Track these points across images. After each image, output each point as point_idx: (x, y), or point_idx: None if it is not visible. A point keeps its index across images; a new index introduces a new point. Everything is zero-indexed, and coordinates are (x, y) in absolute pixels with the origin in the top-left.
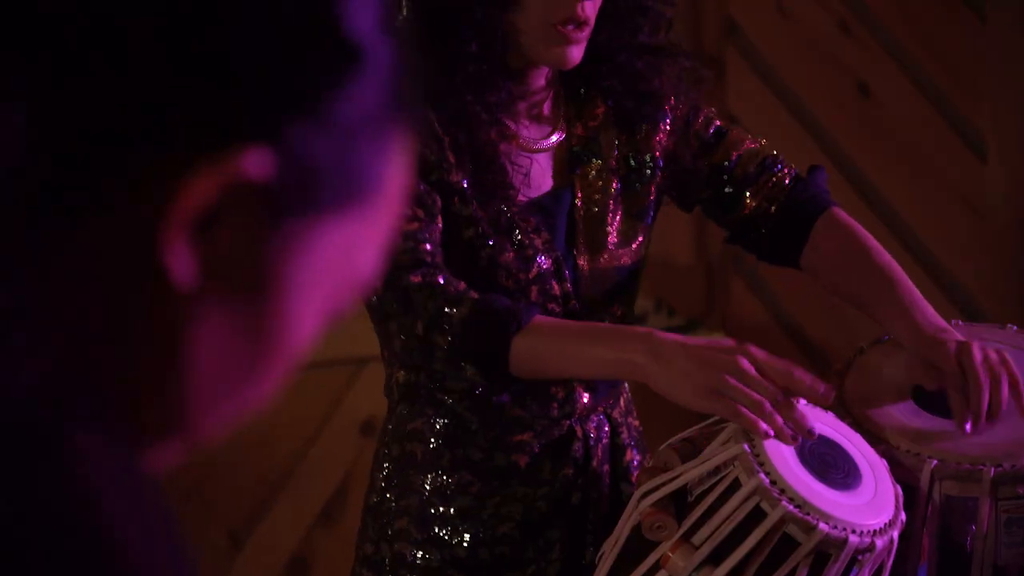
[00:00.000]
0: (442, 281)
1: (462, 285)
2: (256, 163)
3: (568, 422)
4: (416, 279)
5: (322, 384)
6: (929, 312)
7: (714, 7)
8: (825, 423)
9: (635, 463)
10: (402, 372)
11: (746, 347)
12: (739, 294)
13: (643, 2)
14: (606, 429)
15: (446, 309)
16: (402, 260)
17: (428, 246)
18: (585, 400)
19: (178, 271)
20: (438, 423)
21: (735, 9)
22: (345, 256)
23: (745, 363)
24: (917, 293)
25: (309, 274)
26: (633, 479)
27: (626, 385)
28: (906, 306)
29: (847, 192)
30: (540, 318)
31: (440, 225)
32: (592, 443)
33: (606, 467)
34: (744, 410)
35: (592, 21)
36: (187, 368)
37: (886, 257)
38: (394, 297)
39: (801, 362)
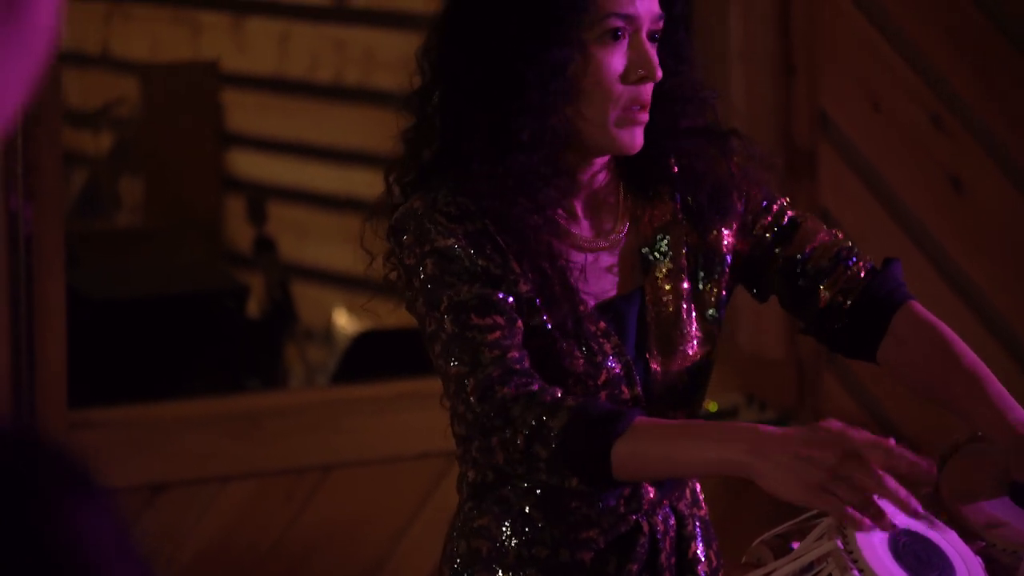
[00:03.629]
0: (536, 388)
1: (558, 391)
2: None
3: (635, 517)
4: (511, 391)
5: (413, 477)
6: (1019, 410)
7: (806, 101)
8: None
9: (701, 555)
10: (472, 471)
11: (845, 431)
12: (831, 388)
13: (685, 90)
14: (672, 522)
15: (545, 420)
16: (492, 373)
17: (515, 353)
18: (651, 495)
19: None
20: (505, 520)
21: (827, 103)
22: None
23: (847, 457)
24: (1004, 391)
25: None
26: (700, 571)
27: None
28: (996, 403)
29: (939, 285)
30: (641, 420)
31: (521, 328)
32: (659, 537)
33: (672, 560)
34: (848, 507)
35: (649, 105)
36: None
37: (970, 353)
38: (491, 411)
39: None
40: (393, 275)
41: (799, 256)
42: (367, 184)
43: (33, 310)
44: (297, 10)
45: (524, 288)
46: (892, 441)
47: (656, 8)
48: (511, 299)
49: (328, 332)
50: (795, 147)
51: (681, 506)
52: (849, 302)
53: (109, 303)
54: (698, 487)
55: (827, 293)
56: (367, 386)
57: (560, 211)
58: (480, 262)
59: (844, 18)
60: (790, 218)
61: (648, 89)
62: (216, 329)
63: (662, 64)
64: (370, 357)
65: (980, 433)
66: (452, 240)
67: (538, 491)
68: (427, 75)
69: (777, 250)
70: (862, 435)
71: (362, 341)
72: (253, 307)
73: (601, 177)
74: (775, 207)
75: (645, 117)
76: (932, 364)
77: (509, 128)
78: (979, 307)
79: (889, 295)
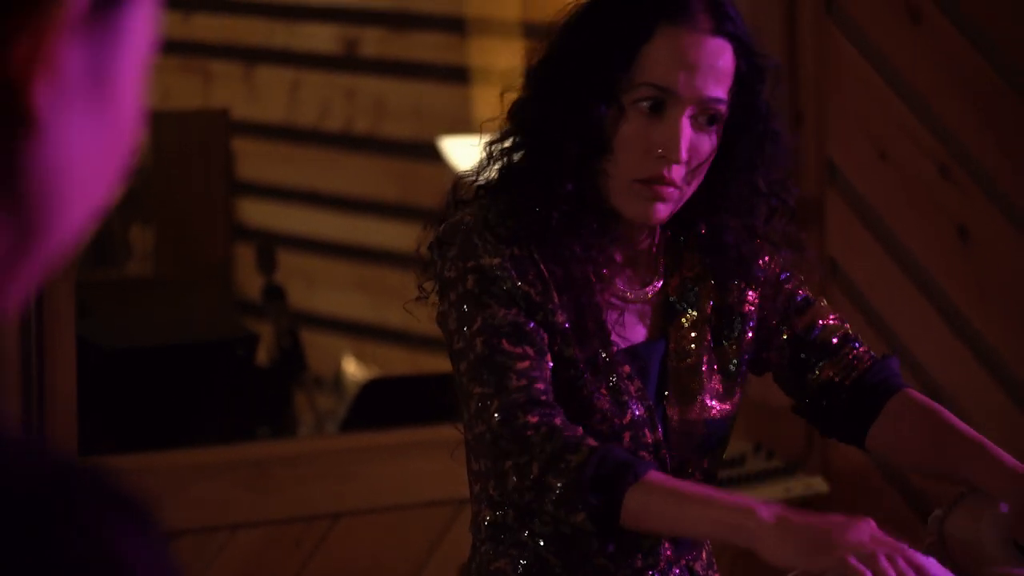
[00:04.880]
0: (559, 423)
1: (579, 430)
2: None
3: (651, 573)
4: (534, 419)
5: (422, 525)
6: (1016, 462)
7: (814, 150)
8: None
9: None
10: (489, 512)
11: (860, 525)
12: None
13: (756, 188)
14: None
15: (564, 454)
16: (517, 399)
17: (541, 384)
18: (669, 552)
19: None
20: (521, 564)
21: (835, 152)
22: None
23: (858, 537)
24: (1001, 451)
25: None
26: None
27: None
28: (996, 458)
29: (946, 334)
30: (655, 474)
31: (550, 362)
32: None
33: None
34: (853, 561)
35: (682, 185)
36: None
37: (968, 428)
38: (511, 435)
39: (902, 507)
40: (428, 285)
41: (808, 331)
42: (376, 232)
43: (44, 359)
44: (307, 59)
45: (560, 319)
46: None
47: (711, 92)
48: (543, 334)
49: (337, 380)
50: (803, 196)
51: (697, 566)
52: (847, 383)
53: (119, 352)
54: (711, 549)
55: (828, 371)
56: (376, 434)
57: (602, 258)
58: (522, 286)
59: (851, 68)
60: (804, 296)
61: (673, 170)
62: (226, 377)
63: (736, 156)
64: (379, 405)
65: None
66: (498, 259)
67: (558, 537)
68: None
69: (788, 323)
70: (883, 536)
71: (371, 389)
72: (263, 355)
73: (649, 233)
74: (793, 282)
75: (670, 193)
76: (925, 435)
77: (555, 179)
78: (985, 356)
79: (886, 381)
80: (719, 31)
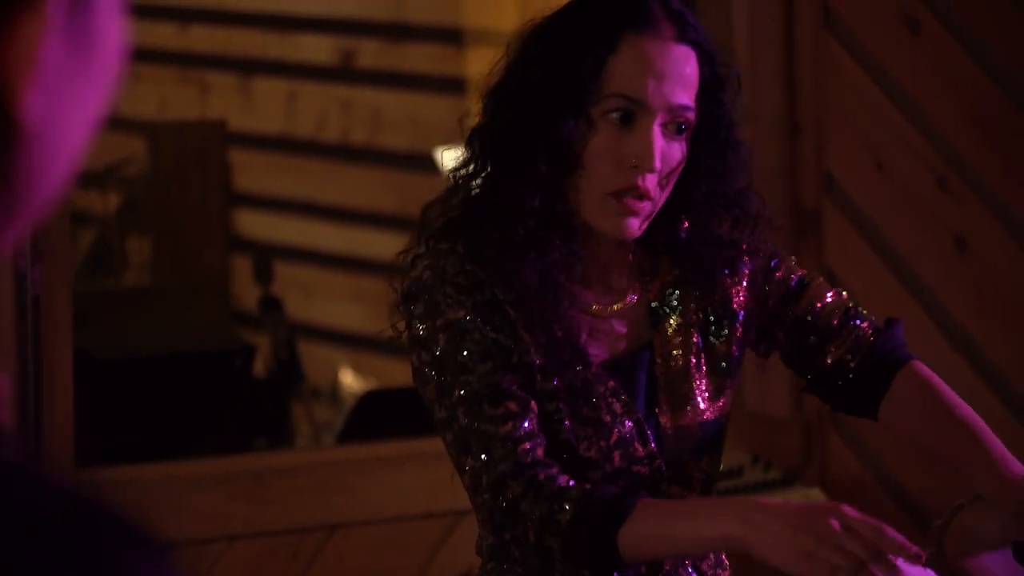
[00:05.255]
0: (541, 478)
1: (562, 480)
2: None
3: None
4: (518, 488)
5: (418, 537)
6: (1016, 466)
7: (811, 161)
8: None
9: None
10: (491, 536)
11: (839, 507)
12: (837, 449)
13: (723, 196)
14: None
15: (552, 515)
16: (501, 469)
17: (526, 444)
18: None
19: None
20: None
21: (832, 164)
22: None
23: (836, 524)
24: (1001, 446)
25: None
26: None
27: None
28: (993, 460)
29: (943, 345)
30: (643, 503)
31: (535, 407)
32: None
33: None
34: (840, 571)
35: (655, 195)
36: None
37: (968, 411)
38: (503, 509)
39: (900, 518)
40: (404, 336)
41: (808, 315)
42: (373, 243)
43: (40, 370)
44: (304, 70)
45: (534, 356)
46: (884, 525)
47: (679, 99)
48: (518, 383)
49: (334, 391)
50: (801, 207)
51: (704, 566)
52: (854, 362)
53: (116, 362)
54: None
55: (835, 353)
56: (373, 446)
57: (570, 275)
58: (491, 334)
59: (849, 79)
60: (799, 277)
61: (647, 179)
62: (223, 389)
63: (700, 163)
64: (376, 416)
65: (981, 492)
66: (463, 312)
67: None
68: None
69: (786, 308)
70: (854, 512)
71: (368, 400)
72: (260, 366)
73: (611, 248)
74: (782, 267)
75: (643, 207)
76: (930, 421)
77: (521, 195)
78: (982, 366)
79: (892, 354)
80: (683, 38)
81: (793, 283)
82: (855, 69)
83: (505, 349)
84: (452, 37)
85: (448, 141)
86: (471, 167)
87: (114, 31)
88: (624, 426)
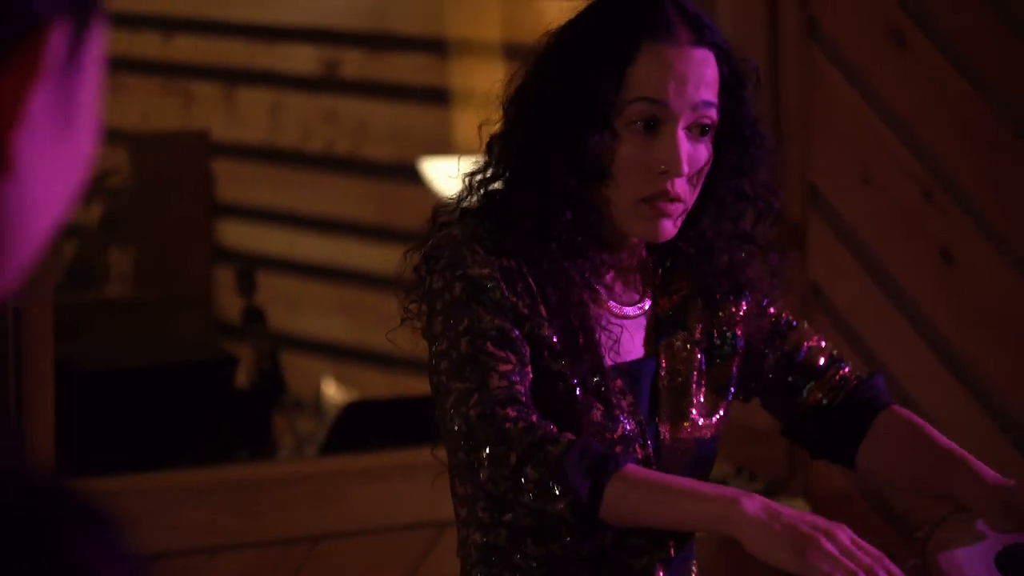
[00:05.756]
0: (535, 420)
1: (555, 428)
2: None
3: None
4: (513, 412)
5: (402, 548)
6: (996, 474)
7: (796, 173)
8: None
9: None
10: (479, 534)
11: (840, 525)
12: (820, 461)
13: (745, 192)
14: None
15: (542, 443)
16: (497, 395)
17: (521, 388)
18: (660, 574)
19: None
20: None
21: (817, 176)
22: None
23: (842, 534)
24: (983, 465)
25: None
26: None
27: (695, 564)
28: (977, 471)
29: (929, 358)
30: (635, 466)
31: (530, 374)
32: None
33: None
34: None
35: (686, 198)
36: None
37: (951, 443)
38: (489, 427)
39: (884, 530)
40: (413, 307)
41: (794, 354)
42: (357, 254)
43: (22, 382)
44: (288, 80)
45: (548, 332)
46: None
47: (700, 96)
48: (527, 348)
49: (317, 402)
50: (786, 219)
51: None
52: (835, 404)
53: (98, 374)
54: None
55: (816, 394)
56: (356, 457)
57: (594, 279)
58: (510, 297)
59: (834, 90)
60: (787, 319)
61: (676, 183)
62: (205, 400)
63: (724, 161)
64: (359, 427)
65: (964, 504)
66: (488, 270)
67: (551, 559)
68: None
69: (773, 345)
70: (851, 534)
71: (351, 411)
72: (242, 378)
73: (638, 253)
74: (776, 306)
75: (675, 208)
76: (911, 452)
77: (552, 207)
78: (969, 379)
79: (873, 400)
80: (700, 41)
81: (783, 322)
82: (840, 81)
83: (521, 316)
84: (436, 47)
85: (433, 151)
86: (488, 172)
87: (94, 109)
88: (628, 425)
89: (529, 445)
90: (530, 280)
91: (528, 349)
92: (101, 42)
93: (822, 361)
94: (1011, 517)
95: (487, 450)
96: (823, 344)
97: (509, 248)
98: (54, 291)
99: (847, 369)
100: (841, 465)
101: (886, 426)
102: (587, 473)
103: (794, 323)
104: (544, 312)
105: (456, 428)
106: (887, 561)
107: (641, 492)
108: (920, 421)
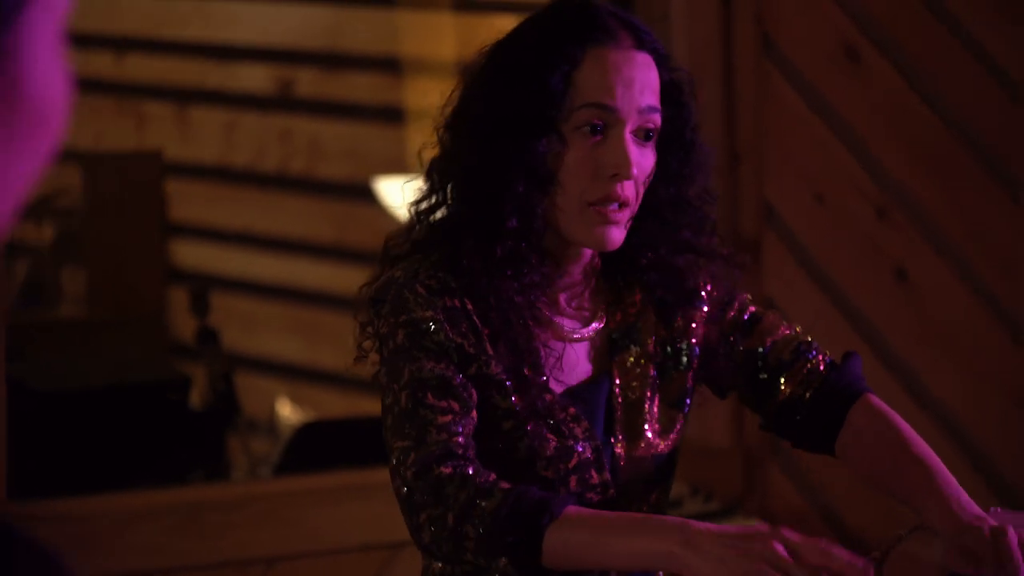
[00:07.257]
0: (471, 472)
1: (492, 476)
2: None
3: None
4: (447, 470)
5: (356, 569)
6: (965, 499)
7: (752, 192)
8: None
9: None
10: (439, 563)
11: (780, 531)
12: (776, 480)
13: (687, 199)
14: None
15: (477, 500)
16: (432, 451)
17: (460, 439)
18: None
19: None
20: None
21: (772, 194)
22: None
23: (780, 548)
24: (953, 480)
25: None
26: None
27: None
28: (943, 494)
29: (884, 377)
30: (573, 508)
31: (475, 418)
32: None
33: None
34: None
35: (632, 203)
36: None
37: (922, 445)
38: (425, 488)
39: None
40: (367, 344)
41: (760, 349)
42: (311, 274)
43: None
44: (242, 99)
45: (496, 370)
46: (829, 544)
47: (646, 100)
48: (472, 390)
49: (272, 423)
50: (741, 237)
51: None
52: (808, 395)
53: (50, 394)
54: None
55: (788, 387)
56: (311, 477)
57: (543, 298)
58: (454, 338)
59: (788, 108)
60: (751, 313)
61: (625, 187)
62: (159, 421)
63: (665, 166)
64: (313, 448)
65: (925, 524)
66: (430, 312)
67: None
68: (436, 155)
69: (739, 345)
70: (795, 535)
71: (305, 432)
72: (196, 398)
73: (586, 266)
74: (737, 302)
75: (622, 215)
76: (883, 456)
77: (499, 215)
78: (922, 397)
79: (847, 388)
80: (641, 46)
81: (746, 317)
82: (795, 98)
83: (467, 356)
84: (390, 66)
85: (387, 170)
86: (433, 199)
87: (52, 83)
88: (583, 452)
89: (464, 503)
90: (475, 319)
91: (474, 392)
92: (46, 38)
93: (788, 355)
94: (968, 560)
95: (424, 513)
96: (788, 334)
97: (452, 287)
98: (6, 312)
99: (818, 356)
100: (822, 454)
101: (860, 421)
102: (523, 524)
103: (759, 316)
104: (490, 350)
105: (397, 488)
106: (835, 550)
107: (582, 535)
108: (893, 418)
